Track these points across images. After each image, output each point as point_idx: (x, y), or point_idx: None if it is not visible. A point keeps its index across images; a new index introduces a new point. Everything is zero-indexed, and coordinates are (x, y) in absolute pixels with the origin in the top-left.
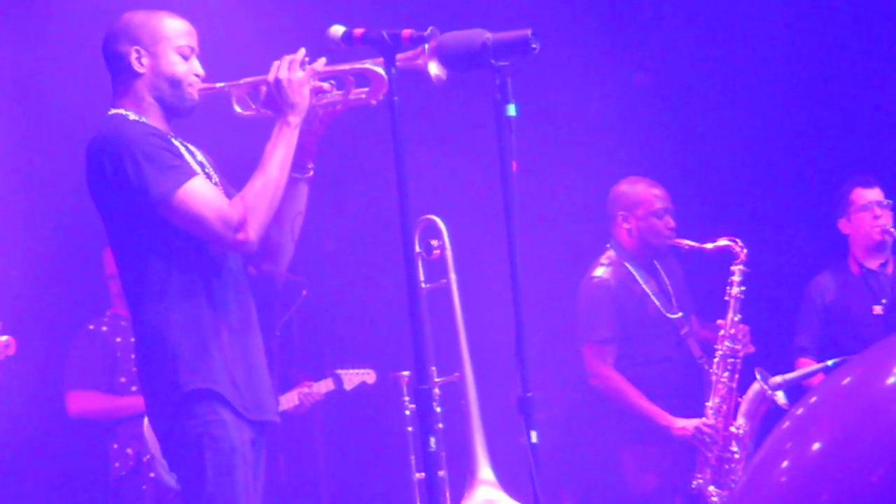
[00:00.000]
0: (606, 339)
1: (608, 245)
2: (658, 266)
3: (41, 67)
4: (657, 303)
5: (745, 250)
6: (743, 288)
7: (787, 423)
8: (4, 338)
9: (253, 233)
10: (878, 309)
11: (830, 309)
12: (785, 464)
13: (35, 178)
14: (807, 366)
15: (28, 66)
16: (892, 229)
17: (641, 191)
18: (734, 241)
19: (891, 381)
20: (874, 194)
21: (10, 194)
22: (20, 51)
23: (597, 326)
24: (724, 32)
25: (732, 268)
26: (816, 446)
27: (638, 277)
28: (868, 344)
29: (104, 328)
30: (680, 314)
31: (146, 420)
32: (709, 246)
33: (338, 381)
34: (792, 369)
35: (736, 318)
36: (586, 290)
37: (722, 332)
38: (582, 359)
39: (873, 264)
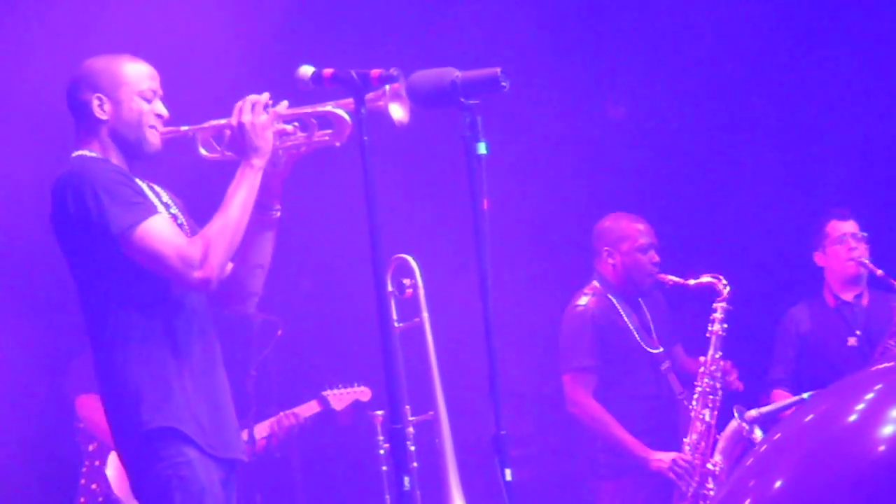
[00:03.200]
0: (587, 367)
1: (593, 278)
2: (641, 301)
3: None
4: (638, 337)
5: (727, 288)
6: (725, 325)
7: (750, 460)
8: None
9: (212, 271)
10: (852, 340)
11: (805, 340)
12: (747, 502)
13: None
14: (782, 398)
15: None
16: (866, 261)
17: (626, 226)
18: (717, 277)
19: (852, 419)
20: (849, 226)
21: (12, 204)
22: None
23: (577, 354)
24: (698, 64)
25: (715, 305)
26: (778, 484)
27: (621, 310)
28: (843, 375)
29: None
30: (661, 349)
31: (109, 458)
32: (692, 282)
33: (324, 402)
34: (768, 401)
35: (717, 356)
36: (569, 318)
37: (702, 368)
38: (562, 386)
39: (848, 296)
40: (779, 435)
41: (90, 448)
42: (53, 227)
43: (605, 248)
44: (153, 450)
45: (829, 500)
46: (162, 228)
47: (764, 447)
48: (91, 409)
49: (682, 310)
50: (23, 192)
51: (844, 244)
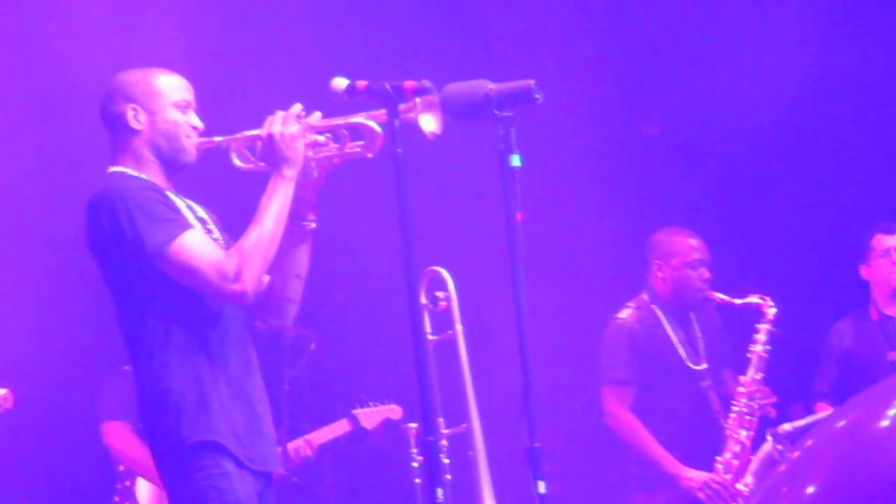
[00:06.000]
0: (624, 380)
1: (643, 290)
2: (692, 316)
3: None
4: (681, 351)
5: (773, 309)
6: (768, 347)
7: (783, 467)
8: (3, 391)
9: (248, 284)
10: (893, 355)
11: (848, 355)
12: None
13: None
14: (825, 410)
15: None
16: None
17: (678, 241)
18: (764, 299)
19: (884, 423)
20: (894, 240)
21: (40, 227)
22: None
23: (614, 367)
24: (734, 80)
25: (758, 325)
26: (811, 490)
27: (666, 324)
28: None
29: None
30: (705, 366)
31: (139, 479)
32: (738, 302)
33: (354, 421)
34: (810, 412)
35: (758, 377)
36: (608, 330)
37: (741, 388)
38: (600, 399)
39: (892, 310)
40: (811, 441)
41: (121, 468)
42: (88, 245)
43: (656, 260)
44: (191, 461)
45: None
46: (197, 243)
47: (797, 453)
48: (116, 437)
49: (729, 328)
50: (58, 208)
51: (888, 258)
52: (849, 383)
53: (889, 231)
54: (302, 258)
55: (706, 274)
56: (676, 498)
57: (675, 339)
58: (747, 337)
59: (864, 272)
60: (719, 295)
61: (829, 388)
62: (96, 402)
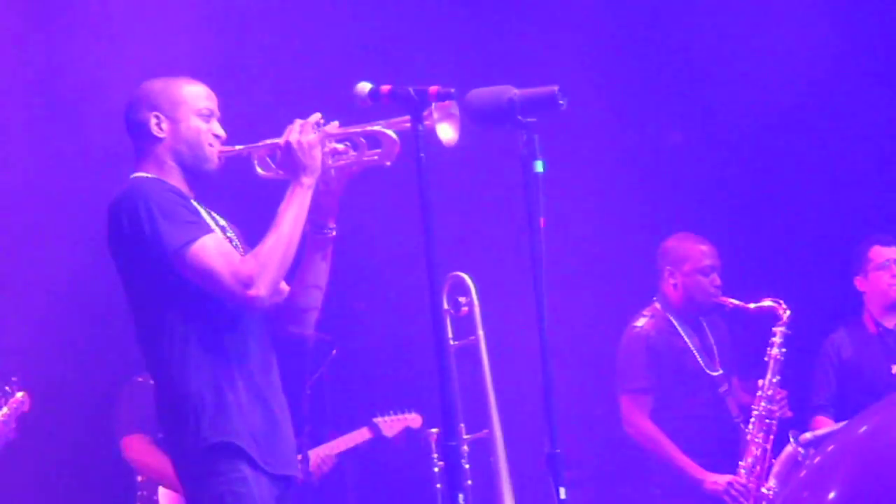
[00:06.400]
0: (642, 388)
1: (655, 298)
2: (704, 322)
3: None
4: (698, 358)
5: (787, 312)
6: (784, 349)
7: (804, 472)
8: (20, 394)
9: (264, 289)
10: (895, 369)
11: (847, 367)
12: None
13: (84, 221)
14: (824, 424)
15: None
16: None
17: (689, 247)
18: (778, 302)
19: None
20: (892, 252)
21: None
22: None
23: (632, 376)
24: (754, 91)
25: (774, 329)
26: (832, 495)
27: (681, 331)
28: None
29: (152, 381)
30: (721, 372)
31: (160, 489)
32: (752, 306)
33: (375, 429)
34: (808, 427)
35: (775, 380)
36: (625, 339)
37: (760, 392)
38: (618, 408)
39: (890, 323)
40: (832, 446)
41: (140, 479)
42: (109, 246)
43: (668, 266)
44: (210, 464)
45: None
46: (215, 247)
47: (818, 458)
48: (137, 450)
49: (737, 333)
50: (77, 215)
51: (887, 270)
52: (850, 397)
53: (886, 243)
54: (322, 266)
55: (717, 280)
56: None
57: (692, 346)
58: (755, 342)
59: (860, 283)
60: (732, 300)
61: (827, 400)
62: (113, 415)
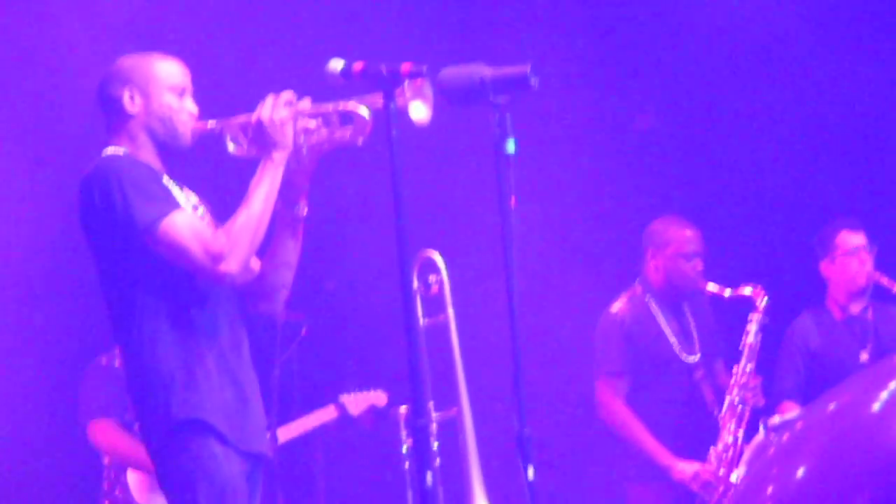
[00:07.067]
0: (616, 372)
1: (637, 279)
2: (685, 307)
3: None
4: (674, 343)
5: (765, 299)
6: (759, 336)
7: (772, 450)
8: None
9: (234, 265)
10: (864, 356)
11: (815, 356)
12: (770, 489)
13: (44, 204)
14: (791, 409)
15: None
16: (885, 280)
17: (673, 231)
18: (757, 288)
19: (876, 407)
20: (860, 238)
21: (17, 222)
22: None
23: (607, 359)
24: (723, 74)
25: (750, 316)
26: (801, 471)
27: (659, 315)
28: None
29: (116, 363)
30: (698, 356)
31: (128, 472)
32: (727, 293)
33: (341, 408)
34: (774, 412)
35: (748, 368)
36: (602, 323)
37: (733, 379)
38: (593, 390)
39: (856, 309)
40: (801, 424)
41: (106, 461)
42: (81, 223)
43: (651, 248)
44: (179, 441)
45: (852, 487)
46: (186, 222)
47: (786, 435)
48: (104, 434)
49: (721, 317)
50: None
51: (856, 256)
52: (817, 383)
53: (854, 227)
54: (293, 244)
55: (700, 265)
56: (670, 488)
57: (667, 330)
58: (740, 327)
59: (825, 268)
60: (711, 286)
61: (794, 386)
62: (76, 400)
